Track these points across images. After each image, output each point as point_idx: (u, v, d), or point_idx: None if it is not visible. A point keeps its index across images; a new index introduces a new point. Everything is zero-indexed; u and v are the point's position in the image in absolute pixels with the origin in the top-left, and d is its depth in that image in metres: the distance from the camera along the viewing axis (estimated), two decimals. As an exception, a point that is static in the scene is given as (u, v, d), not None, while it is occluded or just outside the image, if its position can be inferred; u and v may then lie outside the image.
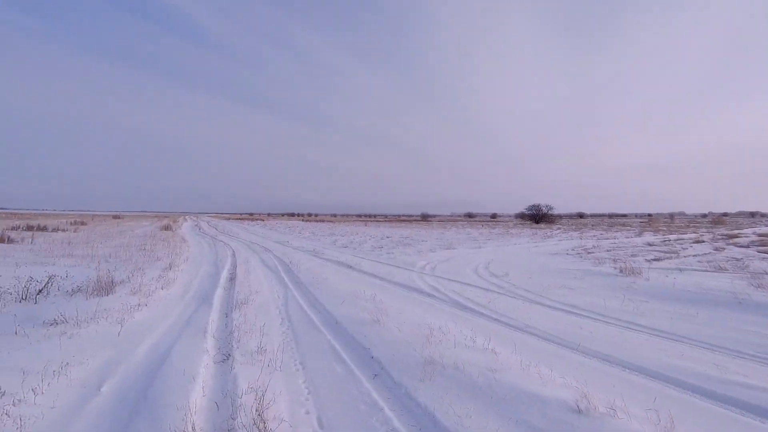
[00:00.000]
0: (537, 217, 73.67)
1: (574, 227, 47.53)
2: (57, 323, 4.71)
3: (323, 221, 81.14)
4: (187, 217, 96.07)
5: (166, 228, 26.35)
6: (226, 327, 5.33)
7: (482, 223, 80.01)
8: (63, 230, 22.52)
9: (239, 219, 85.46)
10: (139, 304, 5.94)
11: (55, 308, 5.32)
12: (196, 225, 42.15)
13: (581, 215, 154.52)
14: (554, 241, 22.90)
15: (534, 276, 9.94)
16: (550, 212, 74.37)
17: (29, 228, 22.05)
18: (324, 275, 9.51)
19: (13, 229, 21.46)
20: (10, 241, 14.04)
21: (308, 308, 6.46)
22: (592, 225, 56.34)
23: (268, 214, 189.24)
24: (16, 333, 4.35)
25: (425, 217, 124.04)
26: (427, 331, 4.93)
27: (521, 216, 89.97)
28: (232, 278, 9.00)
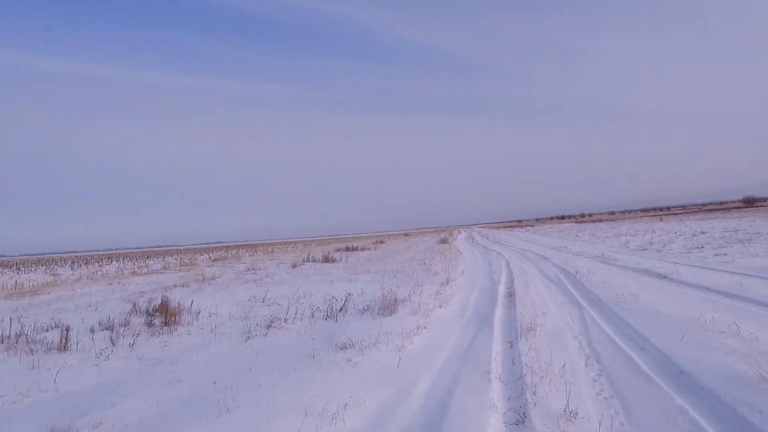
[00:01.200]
0: None
1: None
2: (345, 347, 4.68)
3: (600, 221, 71.71)
4: (461, 229, 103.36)
5: (443, 241, 28.20)
6: (514, 365, 4.19)
7: None
8: (367, 249, 27.09)
9: (507, 227, 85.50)
10: (418, 327, 5.55)
11: (347, 329, 5.46)
12: (469, 236, 44.04)
13: None
14: None
15: None
16: None
17: (346, 249, 27.53)
18: (629, 289, 7.22)
19: (336, 250, 27.27)
20: (332, 261, 17.46)
21: (622, 342, 4.62)
22: None
23: (536, 220, 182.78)
24: (313, 356, 4.46)
25: (750, 202, 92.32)
26: None
27: None
28: (510, 294, 7.93)
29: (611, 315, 5.77)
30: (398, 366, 4.18)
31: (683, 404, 3.09)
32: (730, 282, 7.26)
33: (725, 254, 10.69)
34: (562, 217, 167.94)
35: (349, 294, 7.29)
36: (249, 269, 15.36)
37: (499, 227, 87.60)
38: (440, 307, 6.84)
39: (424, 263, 13.52)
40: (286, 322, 6.18)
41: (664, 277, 8.45)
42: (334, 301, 7.14)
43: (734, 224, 23.46)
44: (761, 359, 3.58)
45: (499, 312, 6.45)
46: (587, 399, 3.34)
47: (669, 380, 3.52)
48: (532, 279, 9.54)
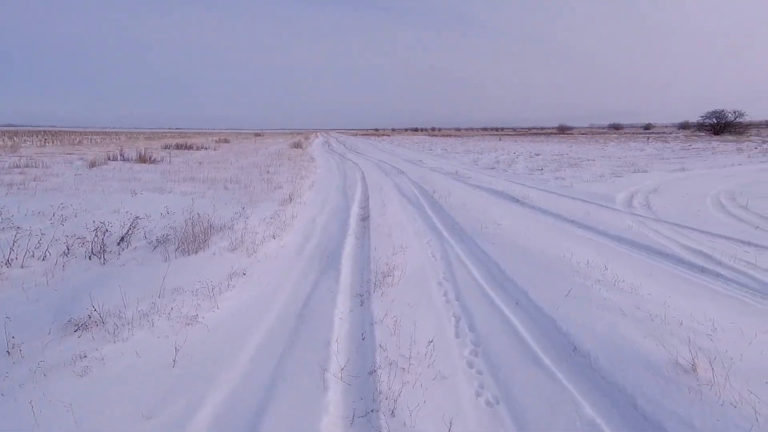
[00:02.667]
0: (718, 127, 58.34)
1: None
2: (87, 327, 2.71)
3: (450, 136, 76.78)
4: (319, 133, 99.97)
5: (297, 145, 25.75)
6: (364, 343, 2.85)
7: (637, 135, 66.67)
8: (205, 149, 23.15)
9: (365, 135, 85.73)
10: (232, 274, 3.82)
11: (113, 280, 3.42)
12: (326, 141, 42.14)
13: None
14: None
15: None
16: (738, 120, 58.17)
17: (177, 147, 23.12)
18: (489, 215, 6.59)
19: (165, 147, 22.67)
20: (151, 161, 13.88)
21: (496, 295, 3.67)
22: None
23: (393, 130, 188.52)
24: (8, 353, 2.41)
25: (563, 130, 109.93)
26: None
27: (684, 126, 74.92)
28: (364, 217, 6.65)
29: (477, 251, 4.89)
30: (174, 363, 2.45)
31: (595, 418, 2.13)
32: (575, 210, 7.17)
33: (563, 178, 11.21)
34: (416, 129, 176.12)
35: (138, 218, 4.97)
36: (18, 166, 11.06)
37: (356, 134, 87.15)
38: (274, 238, 5.16)
39: (268, 172, 11.39)
40: (9, 266, 3.77)
41: (517, 201, 8.17)
42: (116, 226, 4.81)
43: (558, 148, 26.51)
44: (659, 328, 2.89)
45: (349, 246, 5.07)
46: (468, 413, 2.18)
47: (565, 366, 2.59)
48: (389, 198, 8.45)
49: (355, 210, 7.18)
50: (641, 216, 6.73)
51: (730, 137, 47.52)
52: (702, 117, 61.67)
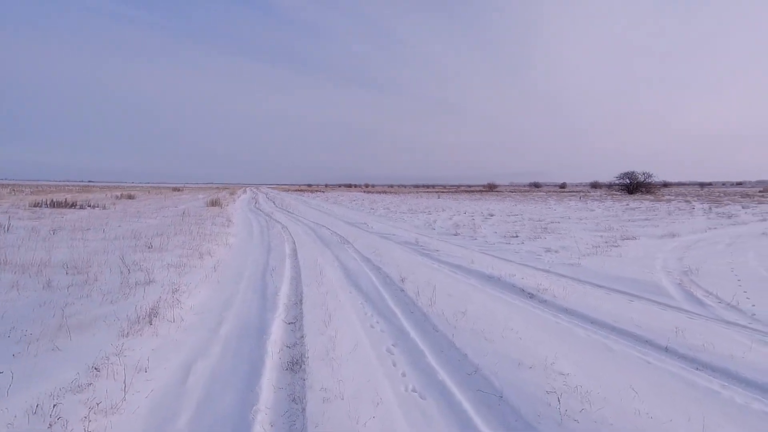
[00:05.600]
0: (631, 186, 62.87)
1: (698, 198, 38.01)
2: None
3: (385, 192, 75.81)
4: (248, 188, 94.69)
5: (214, 203, 21.67)
6: None
7: (561, 193, 70.06)
8: (94, 207, 18.45)
9: (298, 190, 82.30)
10: None
11: None
12: (254, 198, 38.11)
13: (665, 184, 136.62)
14: (752, 217, 15.38)
15: None
16: (647, 180, 63.23)
17: (55, 204, 18.19)
18: (521, 340, 3.62)
19: (35, 204, 17.69)
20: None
21: None
22: (718, 195, 45.72)
23: (326, 185, 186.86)
24: None
25: (492, 187, 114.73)
26: None
27: (595, 185, 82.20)
28: (293, 361, 3.35)
29: None
30: None
31: None
32: (650, 321, 4.45)
33: (554, 251, 8.74)
34: (350, 185, 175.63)
35: None
36: None
37: (288, 190, 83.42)
38: None
39: (150, 246, 7.64)
40: None
41: (533, 296, 5.35)
42: None
43: (506, 207, 25.07)
44: None
45: None
46: None
47: None
48: (336, 295, 5.22)
49: (276, 334, 3.85)
50: (755, 330, 4.13)
51: (649, 196, 50.57)
52: (616, 177, 66.30)
